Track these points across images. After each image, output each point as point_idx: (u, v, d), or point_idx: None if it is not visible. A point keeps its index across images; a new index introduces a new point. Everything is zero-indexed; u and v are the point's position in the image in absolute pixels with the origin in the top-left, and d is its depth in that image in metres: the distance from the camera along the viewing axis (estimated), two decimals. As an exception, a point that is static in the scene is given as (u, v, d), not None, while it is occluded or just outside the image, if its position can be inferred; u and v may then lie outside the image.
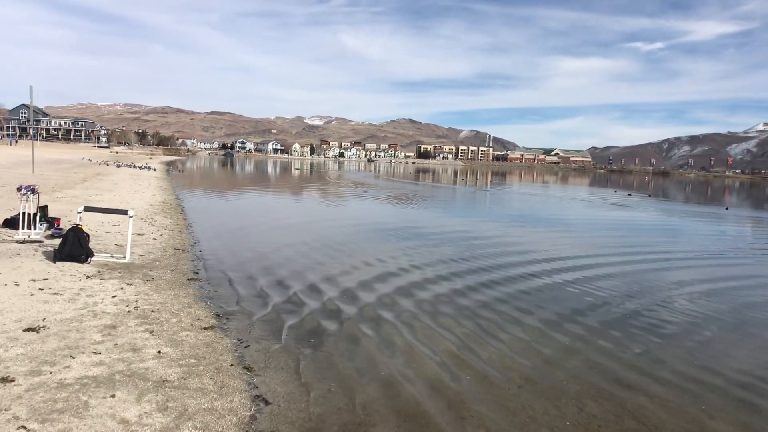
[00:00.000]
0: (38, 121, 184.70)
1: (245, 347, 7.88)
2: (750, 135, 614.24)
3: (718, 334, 10.18)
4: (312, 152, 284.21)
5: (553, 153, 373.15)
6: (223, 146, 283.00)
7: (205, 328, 8.32)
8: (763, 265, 19.15)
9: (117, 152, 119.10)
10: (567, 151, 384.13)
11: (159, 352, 7.07)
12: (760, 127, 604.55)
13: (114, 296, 9.28)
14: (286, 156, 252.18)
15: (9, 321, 7.46)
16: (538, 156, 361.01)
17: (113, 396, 5.70)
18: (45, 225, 14.13)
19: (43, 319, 7.68)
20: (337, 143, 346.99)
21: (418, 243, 18.90)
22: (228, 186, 49.83)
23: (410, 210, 33.19)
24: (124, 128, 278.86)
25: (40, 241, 12.93)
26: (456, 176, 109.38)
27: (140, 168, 57.81)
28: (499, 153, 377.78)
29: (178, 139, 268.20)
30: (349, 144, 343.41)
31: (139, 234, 15.54)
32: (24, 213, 13.38)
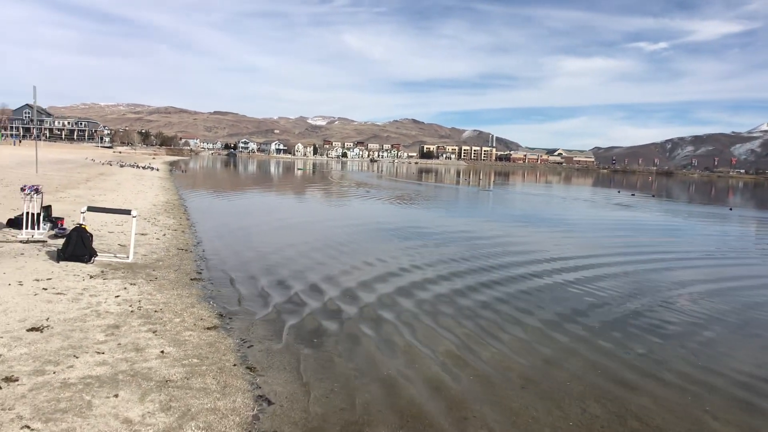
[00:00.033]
0: (42, 121, 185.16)
1: (248, 347, 7.89)
2: (754, 135, 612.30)
3: (722, 335, 10.15)
4: (315, 152, 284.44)
5: (556, 153, 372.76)
6: (226, 146, 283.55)
7: (208, 328, 8.33)
8: (767, 266, 19.09)
9: (120, 152, 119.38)
10: (570, 151, 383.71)
11: (162, 352, 7.08)
12: (765, 127, 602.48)
13: (117, 296, 9.30)
14: (289, 156, 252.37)
15: (13, 321, 7.48)
16: (541, 156, 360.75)
17: (116, 396, 5.71)
18: (48, 225, 14.16)
19: (47, 319, 7.70)
20: (339, 143, 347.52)
21: (422, 243, 18.89)
22: (231, 186, 49.90)
23: (413, 210, 33.19)
24: (127, 128, 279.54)
25: (43, 241, 12.97)
26: (459, 176, 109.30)
27: (143, 168, 57.91)
28: (502, 153, 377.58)
29: (181, 139, 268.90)
30: (351, 144, 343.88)
31: (143, 234, 15.56)
32: (28, 213, 13.41)
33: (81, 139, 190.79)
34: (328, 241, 18.21)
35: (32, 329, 7.23)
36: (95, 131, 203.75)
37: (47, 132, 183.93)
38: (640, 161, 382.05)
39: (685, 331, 10.22)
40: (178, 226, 18.69)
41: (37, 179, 27.63)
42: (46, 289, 9.12)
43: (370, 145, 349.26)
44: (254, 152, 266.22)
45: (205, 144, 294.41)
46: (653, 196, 64.89)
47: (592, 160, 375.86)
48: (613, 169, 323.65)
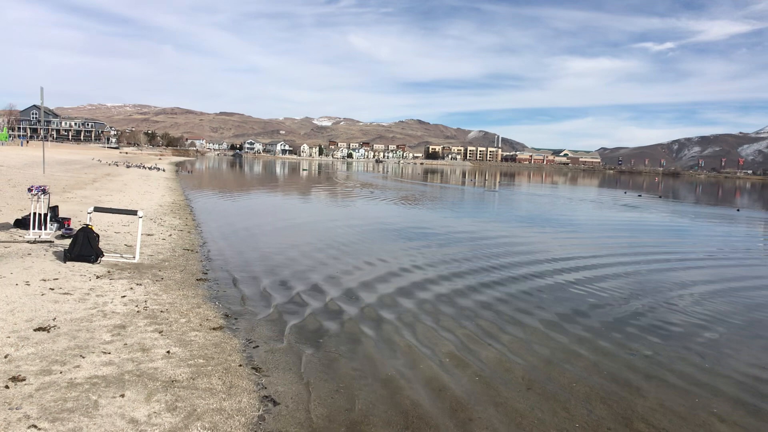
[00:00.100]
0: (49, 122, 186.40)
1: (254, 348, 7.90)
2: (762, 136, 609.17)
3: (728, 336, 10.09)
4: (320, 153, 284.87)
5: (562, 154, 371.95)
6: (232, 147, 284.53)
7: (213, 329, 8.35)
8: (774, 267, 18.98)
9: (126, 153, 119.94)
10: (576, 151, 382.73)
11: (168, 352, 7.10)
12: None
13: (123, 296, 9.34)
14: (295, 157, 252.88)
15: (20, 320, 7.52)
16: (547, 157, 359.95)
17: (123, 396, 5.73)
18: (55, 225, 14.24)
19: (54, 319, 7.73)
20: (345, 144, 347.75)
21: (427, 244, 18.88)
22: (236, 187, 50.01)
23: (418, 211, 33.16)
24: (133, 129, 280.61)
25: (50, 241, 13.03)
26: (464, 177, 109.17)
27: (149, 169, 58.12)
28: (508, 154, 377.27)
29: (187, 139, 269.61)
30: (357, 145, 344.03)
31: (149, 234, 15.62)
32: (35, 213, 13.49)
33: (88, 139, 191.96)
34: (333, 242, 18.22)
35: (39, 329, 7.27)
36: (102, 132, 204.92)
37: (54, 133, 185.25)
38: (646, 162, 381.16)
39: (691, 333, 10.17)
40: (184, 226, 18.75)
41: (44, 180, 27.79)
42: (53, 289, 9.17)
43: (376, 146, 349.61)
44: (260, 153, 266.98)
45: (211, 145, 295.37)
46: (660, 197, 64.59)
47: (599, 160, 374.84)
48: (619, 169, 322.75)
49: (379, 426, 6.00)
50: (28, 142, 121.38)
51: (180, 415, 5.52)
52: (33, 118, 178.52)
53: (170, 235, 16.43)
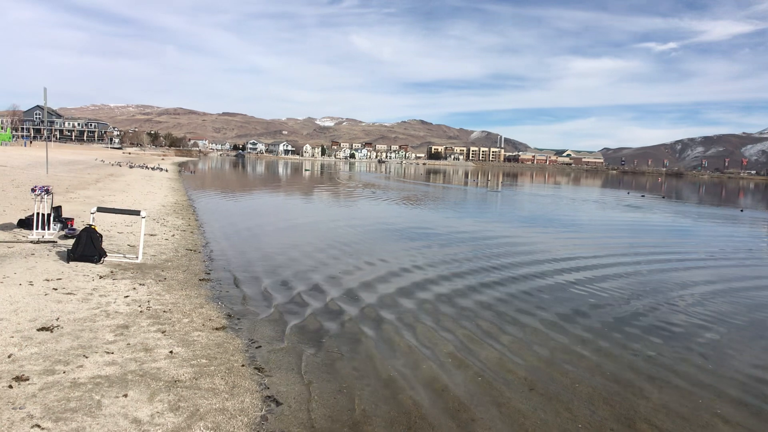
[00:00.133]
0: (52, 122, 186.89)
1: (256, 348, 7.91)
2: (765, 136, 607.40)
3: (732, 337, 10.06)
4: (323, 153, 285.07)
5: (565, 154, 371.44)
6: (235, 147, 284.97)
7: (216, 329, 8.36)
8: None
9: (129, 153, 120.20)
10: (579, 152, 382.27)
11: (171, 352, 7.11)
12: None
13: (126, 296, 9.36)
14: (297, 157, 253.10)
15: (23, 320, 7.54)
16: (549, 157, 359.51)
17: (126, 395, 5.74)
18: (59, 225, 14.27)
19: (57, 319, 7.75)
20: (347, 144, 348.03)
21: (429, 244, 18.88)
22: (239, 187, 50.07)
23: (421, 211, 33.14)
24: (136, 129, 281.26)
25: (53, 242, 13.06)
26: (467, 177, 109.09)
27: (152, 169, 58.22)
28: (511, 154, 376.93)
29: (189, 140, 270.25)
30: (359, 145, 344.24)
31: (152, 234, 15.65)
32: (38, 213, 13.51)
33: (91, 140, 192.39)
34: (335, 242, 18.23)
35: (42, 329, 7.29)
36: (105, 132, 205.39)
37: (57, 133, 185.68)
38: (649, 162, 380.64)
39: (694, 333, 10.14)
40: (186, 226, 18.77)
41: (48, 180, 27.86)
42: (56, 289, 9.19)
43: (378, 146, 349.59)
44: (262, 153, 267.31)
45: (213, 145, 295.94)
46: (663, 197, 64.46)
47: (601, 161, 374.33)
48: (622, 170, 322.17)
49: (381, 426, 6.00)
50: (31, 142, 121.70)
51: (183, 415, 5.52)
52: (36, 118, 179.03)
53: (173, 235, 16.45)
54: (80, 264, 11.11)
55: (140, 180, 39.48)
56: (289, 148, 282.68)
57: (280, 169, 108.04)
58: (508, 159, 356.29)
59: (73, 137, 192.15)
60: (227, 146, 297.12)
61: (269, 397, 6.32)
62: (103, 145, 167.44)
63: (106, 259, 11.72)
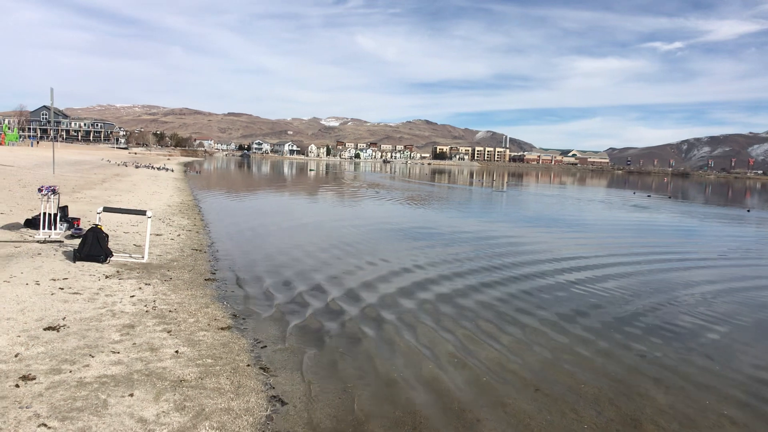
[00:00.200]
0: (59, 122, 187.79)
1: (261, 347, 7.92)
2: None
3: (739, 337, 10.00)
4: (328, 153, 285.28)
5: (570, 154, 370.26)
6: (240, 147, 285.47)
7: (221, 329, 8.37)
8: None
9: (135, 153, 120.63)
10: (584, 152, 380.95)
11: (176, 351, 7.13)
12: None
13: (132, 296, 9.38)
14: (303, 157, 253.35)
15: (30, 320, 7.57)
16: (555, 157, 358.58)
17: (131, 395, 5.75)
18: (65, 225, 14.33)
19: (63, 318, 7.78)
20: (352, 144, 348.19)
21: (434, 244, 18.86)
22: (244, 187, 50.15)
23: (426, 211, 33.09)
24: (142, 129, 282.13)
25: (60, 241, 13.11)
26: (472, 177, 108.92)
27: (158, 169, 58.40)
28: (516, 154, 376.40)
29: (195, 140, 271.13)
30: (364, 145, 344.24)
31: (157, 234, 15.69)
32: (45, 213, 13.58)
33: (97, 140, 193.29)
34: (339, 243, 18.22)
35: (49, 328, 7.32)
36: (111, 132, 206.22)
37: (64, 133, 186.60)
38: (655, 162, 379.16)
39: (701, 334, 10.09)
40: (192, 226, 18.82)
41: (54, 180, 27.99)
42: (62, 288, 9.22)
43: (383, 146, 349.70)
44: (268, 153, 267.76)
45: (219, 145, 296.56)
46: (669, 197, 64.17)
47: (607, 161, 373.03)
48: (628, 170, 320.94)
49: (386, 427, 6.00)
50: (38, 142, 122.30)
51: (188, 414, 5.53)
52: (43, 118, 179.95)
53: (179, 235, 16.50)
54: (86, 264, 11.15)
55: (146, 180, 39.61)
56: (294, 148, 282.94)
57: (285, 169, 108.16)
58: (513, 159, 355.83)
59: (80, 137, 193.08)
60: (233, 146, 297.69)
61: (274, 397, 6.32)
62: (109, 145, 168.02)
63: (112, 258, 11.76)
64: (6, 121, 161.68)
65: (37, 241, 12.87)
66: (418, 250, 17.33)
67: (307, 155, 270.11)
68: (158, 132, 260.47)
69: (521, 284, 13.29)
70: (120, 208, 15.33)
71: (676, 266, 16.87)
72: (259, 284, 11.79)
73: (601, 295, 12.62)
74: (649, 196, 62.99)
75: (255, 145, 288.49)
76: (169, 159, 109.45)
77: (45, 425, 4.97)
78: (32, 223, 14.25)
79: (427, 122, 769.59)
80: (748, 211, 47.45)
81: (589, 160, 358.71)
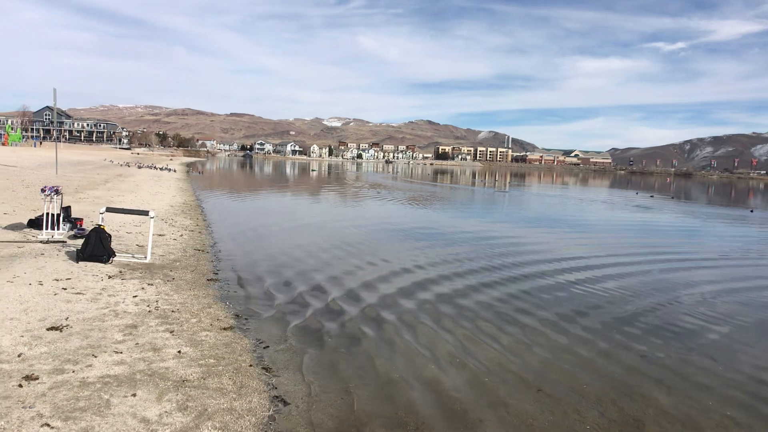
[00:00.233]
0: (61, 123, 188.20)
1: (264, 348, 7.92)
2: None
3: (743, 338, 9.97)
4: (330, 153, 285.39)
5: (572, 154, 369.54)
6: (243, 147, 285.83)
7: (224, 329, 8.38)
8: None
9: (138, 154, 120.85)
10: (587, 152, 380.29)
11: (179, 352, 7.13)
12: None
13: (135, 296, 9.40)
14: (305, 157, 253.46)
15: (33, 320, 7.58)
16: (557, 157, 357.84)
17: (134, 395, 5.76)
18: (68, 225, 14.35)
19: (66, 318, 7.79)
20: (355, 144, 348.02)
21: (442, 246, 18.84)
22: (247, 187, 50.20)
23: (428, 212, 33.08)
24: (145, 130, 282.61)
25: (63, 242, 13.14)
26: (474, 177, 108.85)
27: (161, 169, 58.47)
28: (518, 154, 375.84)
29: (198, 140, 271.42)
30: (367, 145, 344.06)
31: (160, 234, 15.71)
32: (48, 213, 13.60)
33: (100, 140, 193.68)
34: (341, 243, 18.22)
35: (52, 328, 7.33)
36: (114, 133, 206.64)
37: (67, 134, 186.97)
38: (658, 162, 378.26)
39: (704, 334, 10.06)
40: (194, 227, 18.84)
41: (57, 180, 28.05)
42: (65, 288, 9.24)
43: (385, 147, 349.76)
44: (270, 153, 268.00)
45: (221, 145, 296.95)
46: (672, 197, 64.06)
47: (609, 161, 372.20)
48: (630, 170, 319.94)
49: (389, 428, 6.00)
50: (41, 143, 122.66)
51: (191, 414, 5.54)
52: (46, 119, 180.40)
53: (181, 235, 16.52)
54: (89, 264, 11.17)
55: (149, 180, 39.67)
56: (297, 148, 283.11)
57: (288, 170, 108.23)
58: (515, 159, 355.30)
59: (83, 138, 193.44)
60: (235, 146, 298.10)
61: (277, 397, 6.32)
62: (112, 146, 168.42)
63: (115, 259, 11.78)
64: (9, 122, 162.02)
65: (40, 242, 12.89)
66: (420, 251, 17.32)
67: (310, 155, 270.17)
68: (161, 132, 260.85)
69: (523, 284, 13.27)
70: (123, 209, 15.35)
71: (678, 266, 16.82)
72: (261, 284, 11.80)
73: (602, 295, 12.59)
74: (652, 196, 62.88)
75: (257, 146, 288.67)
76: (171, 159, 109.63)
77: (48, 425, 4.97)
78: (35, 224, 14.28)
79: (430, 122, 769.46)
80: (752, 211, 47.34)
81: (591, 160, 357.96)
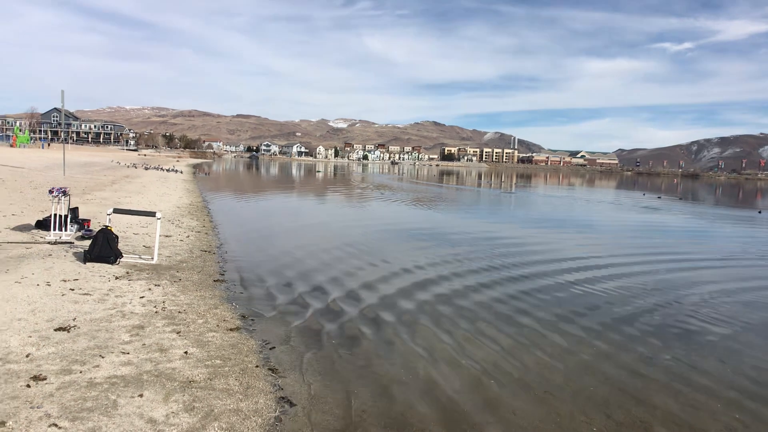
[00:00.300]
0: (69, 124, 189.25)
1: (270, 349, 7.93)
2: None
3: (754, 341, 9.89)
4: (336, 155, 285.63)
5: (579, 155, 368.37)
6: (249, 149, 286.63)
7: (230, 330, 8.39)
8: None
9: (145, 155, 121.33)
10: (593, 153, 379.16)
11: (186, 352, 7.15)
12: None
13: (142, 297, 9.43)
14: (311, 158, 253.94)
15: (41, 320, 7.62)
16: (563, 158, 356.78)
17: (141, 395, 5.78)
18: (75, 226, 14.42)
19: (74, 319, 7.83)
20: (360, 146, 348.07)
21: (449, 247, 18.81)
22: (253, 189, 50.30)
23: (435, 214, 33.05)
24: (151, 131, 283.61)
25: (70, 242, 13.20)
26: (480, 179, 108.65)
27: (167, 171, 58.71)
28: (524, 155, 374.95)
29: (204, 142, 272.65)
30: (372, 146, 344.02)
31: (167, 236, 15.76)
32: (55, 215, 13.68)
33: (107, 142, 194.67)
34: (344, 244, 18.19)
35: (59, 329, 7.36)
36: (121, 134, 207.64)
37: (74, 135, 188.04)
38: (664, 163, 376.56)
39: (713, 336, 9.99)
40: (201, 228, 18.89)
41: (65, 182, 28.20)
42: (73, 289, 9.28)
43: (391, 148, 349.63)
44: (276, 155, 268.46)
45: (228, 147, 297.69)
46: (680, 199, 63.74)
47: (616, 162, 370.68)
48: (637, 171, 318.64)
49: (396, 429, 5.98)
50: (49, 144, 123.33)
51: (197, 415, 5.55)
52: (54, 120, 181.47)
53: (188, 236, 16.56)
54: (96, 265, 11.22)
55: (155, 182, 39.82)
56: (303, 149, 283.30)
57: (294, 171, 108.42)
58: (521, 160, 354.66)
59: (90, 139, 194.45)
60: (241, 148, 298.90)
61: (283, 398, 6.32)
62: (119, 147, 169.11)
63: (122, 259, 11.83)
64: (18, 123, 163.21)
65: (48, 242, 12.96)
66: (425, 251, 17.27)
67: (316, 157, 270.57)
68: (167, 134, 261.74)
69: (528, 285, 13.21)
70: (130, 210, 15.41)
71: (687, 266, 16.68)
72: (267, 286, 11.80)
73: (615, 298, 12.51)
74: (659, 197, 62.55)
75: (263, 147, 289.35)
76: (178, 161, 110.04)
77: (56, 425, 4.99)
78: (43, 225, 14.36)
79: (435, 123, 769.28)
80: (760, 212, 47.02)
81: (597, 161, 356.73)
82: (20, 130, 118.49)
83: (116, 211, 13.09)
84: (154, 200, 25.81)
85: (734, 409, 6.99)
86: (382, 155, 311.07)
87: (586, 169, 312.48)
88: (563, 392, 7.19)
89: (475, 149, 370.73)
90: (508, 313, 10.84)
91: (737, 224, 34.81)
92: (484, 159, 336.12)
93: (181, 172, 59.02)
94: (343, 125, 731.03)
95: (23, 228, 14.41)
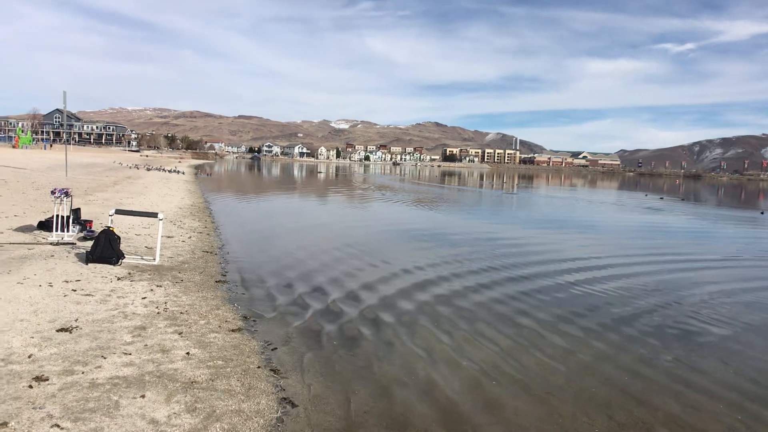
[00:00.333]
0: (71, 125, 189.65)
1: (272, 349, 7.93)
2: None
3: (757, 342, 9.88)
4: (338, 156, 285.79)
5: (581, 156, 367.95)
6: (251, 150, 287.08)
7: (232, 330, 8.40)
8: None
9: (147, 156, 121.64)
10: (595, 154, 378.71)
11: (188, 353, 7.16)
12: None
13: (144, 298, 9.44)
14: (312, 159, 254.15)
15: (43, 321, 7.63)
16: (565, 159, 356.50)
17: (143, 396, 5.78)
18: (78, 227, 14.43)
19: (76, 320, 7.84)
20: (362, 146, 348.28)
21: (454, 248, 18.80)
22: (254, 189, 50.33)
23: (437, 214, 33.04)
24: (153, 132, 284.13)
25: (72, 243, 13.22)
26: (482, 179, 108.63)
27: (169, 171, 58.78)
28: (526, 156, 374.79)
29: (206, 142, 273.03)
30: (374, 147, 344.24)
31: (169, 236, 15.78)
32: (57, 215, 13.69)
33: (109, 143, 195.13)
34: (345, 245, 18.19)
35: (62, 330, 7.38)
36: (123, 135, 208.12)
37: (76, 136, 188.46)
38: (667, 164, 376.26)
39: (715, 337, 9.98)
40: (203, 228, 18.91)
41: (67, 182, 28.25)
42: (75, 290, 9.29)
43: (393, 149, 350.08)
44: (278, 156, 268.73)
45: (229, 148, 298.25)
46: (682, 199, 63.67)
47: (618, 162, 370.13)
48: (639, 172, 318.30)
49: (398, 430, 5.98)
50: (51, 145, 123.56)
51: (199, 416, 5.55)
52: (56, 121, 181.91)
53: (190, 237, 16.58)
54: (99, 265, 11.23)
55: (157, 182, 39.86)
56: (305, 150, 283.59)
57: (295, 172, 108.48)
58: (523, 161, 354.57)
59: (92, 140, 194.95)
60: (243, 149, 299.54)
61: (285, 399, 6.33)
62: (121, 148, 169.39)
63: (124, 260, 11.84)
64: (20, 124, 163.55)
65: (50, 243, 12.98)
66: (425, 251, 17.26)
67: (317, 158, 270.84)
68: (169, 135, 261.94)
69: (529, 286, 13.20)
70: (132, 211, 15.43)
71: (691, 266, 16.65)
72: (268, 286, 11.81)
73: (618, 299, 12.50)
74: (661, 198, 62.49)
75: (265, 148, 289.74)
76: (180, 162, 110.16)
77: (58, 426, 5.00)
78: (45, 225, 14.37)
79: (437, 124, 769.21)
80: (762, 213, 46.93)
81: (599, 162, 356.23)
82: (22, 131, 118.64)
83: (118, 212, 13.11)
84: (156, 201, 25.83)
85: (736, 410, 6.98)
86: (383, 156, 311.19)
87: (588, 170, 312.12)
88: (564, 393, 7.18)
89: (477, 150, 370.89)
90: (508, 313, 10.83)
91: (739, 225, 34.76)
92: (485, 160, 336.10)
93: (183, 173, 59.08)
94: (344, 126, 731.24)
95: (25, 229, 14.43)
